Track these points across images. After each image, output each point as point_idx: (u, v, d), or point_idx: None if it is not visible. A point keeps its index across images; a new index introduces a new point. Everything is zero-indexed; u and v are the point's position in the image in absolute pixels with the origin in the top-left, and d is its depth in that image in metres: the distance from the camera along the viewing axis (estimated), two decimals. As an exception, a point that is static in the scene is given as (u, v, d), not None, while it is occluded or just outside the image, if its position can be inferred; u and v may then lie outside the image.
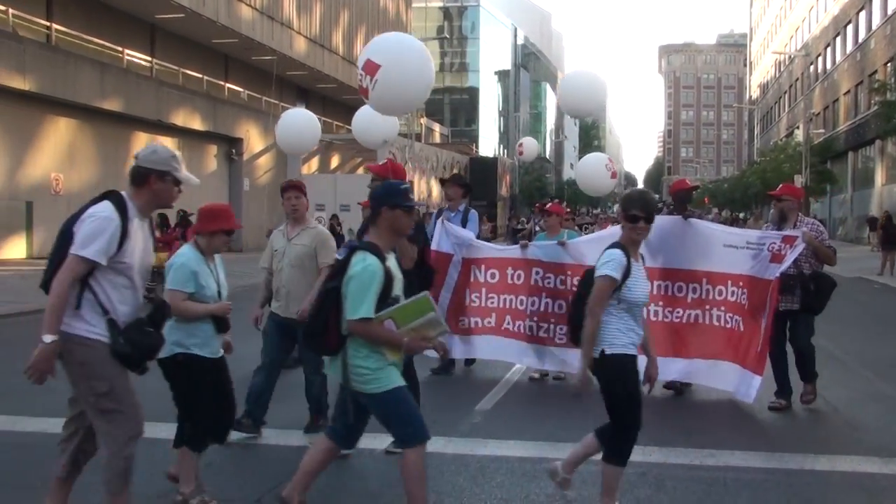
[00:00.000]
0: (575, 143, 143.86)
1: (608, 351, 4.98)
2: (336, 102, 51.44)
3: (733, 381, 8.31)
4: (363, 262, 4.51)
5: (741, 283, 8.38)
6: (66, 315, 4.22)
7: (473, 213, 10.02)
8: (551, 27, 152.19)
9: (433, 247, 9.28)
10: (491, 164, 62.40)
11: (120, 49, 32.41)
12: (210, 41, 37.92)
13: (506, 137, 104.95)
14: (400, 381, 4.63)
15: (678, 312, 8.76)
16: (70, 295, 4.21)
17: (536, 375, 9.73)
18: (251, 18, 38.69)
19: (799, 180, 43.38)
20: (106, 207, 4.33)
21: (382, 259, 4.57)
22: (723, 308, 8.53)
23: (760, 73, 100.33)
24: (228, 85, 40.84)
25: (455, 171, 50.10)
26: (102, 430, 4.37)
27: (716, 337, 8.56)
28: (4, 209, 26.80)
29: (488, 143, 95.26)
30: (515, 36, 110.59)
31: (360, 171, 44.62)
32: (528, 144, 30.69)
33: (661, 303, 8.81)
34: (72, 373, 4.35)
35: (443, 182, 10.26)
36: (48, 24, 29.34)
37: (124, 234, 4.29)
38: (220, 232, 5.43)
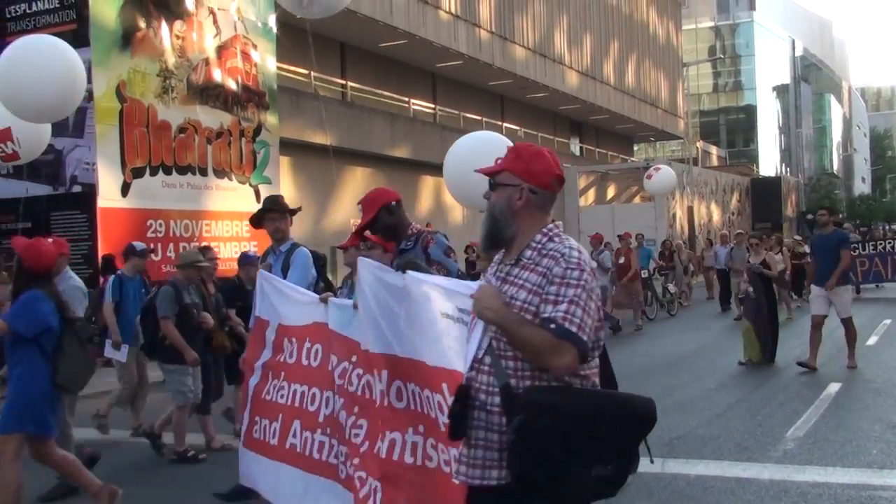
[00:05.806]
0: (866, 155, 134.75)
1: None
2: (609, 133, 51.79)
3: None
4: None
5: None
6: None
7: (301, 253, 6.56)
8: (832, 35, 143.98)
9: (256, 311, 6.19)
10: (774, 183, 60.14)
11: (406, 99, 34.68)
12: (486, 84, 39.62)
13: (788, 155, 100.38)
14: None
15: (394, 439, 4.58)
16: None
17: None
18: (524, 58, 40.00)
19: None
20: None
21: None
22: (441, 440, 4.25)
23: None
24: (505, 124, 42.38)
25: (735, 194, 48.29)
26: None
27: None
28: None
29: (769, 162, 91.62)
30: (793, 48, 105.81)
31: (637, 199, 44.55)
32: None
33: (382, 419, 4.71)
34: None
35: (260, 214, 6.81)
36: (343, 82, 32.03)
37: None
38: None
